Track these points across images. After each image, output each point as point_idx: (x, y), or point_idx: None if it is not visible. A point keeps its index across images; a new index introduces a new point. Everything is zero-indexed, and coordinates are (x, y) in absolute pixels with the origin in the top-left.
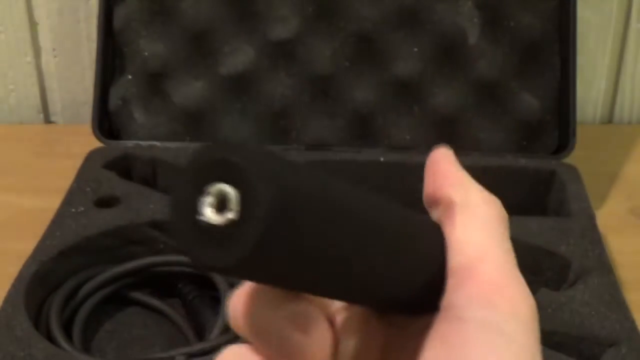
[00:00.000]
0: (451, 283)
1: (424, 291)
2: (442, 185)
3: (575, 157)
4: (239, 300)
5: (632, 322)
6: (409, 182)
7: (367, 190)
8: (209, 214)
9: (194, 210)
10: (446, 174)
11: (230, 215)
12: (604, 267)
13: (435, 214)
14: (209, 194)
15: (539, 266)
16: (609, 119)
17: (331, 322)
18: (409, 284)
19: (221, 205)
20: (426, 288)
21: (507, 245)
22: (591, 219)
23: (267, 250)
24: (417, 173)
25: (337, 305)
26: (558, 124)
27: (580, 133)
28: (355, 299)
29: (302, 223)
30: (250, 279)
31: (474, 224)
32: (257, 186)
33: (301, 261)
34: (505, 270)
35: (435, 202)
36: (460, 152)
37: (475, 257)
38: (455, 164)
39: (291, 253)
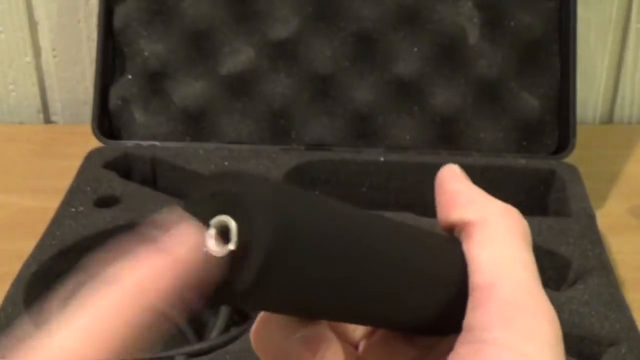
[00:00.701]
0: (471, 303)
1: (444, 312)
2: (454, 209)
3: (575, 157)
4: (257, 324)
5: (632, 322)
6: (409, 182)
7: (375, 214)
8: (212, 246)
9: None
10: (455, 195)
11: (230, 246)
12: (604, 267)
13: (455, 234)
14: (211, 225)
15: (539, 266)
16: (609, 119)
17: (353, 344)
18: (427, 307)
19: (223, 236)
20: (446, 309)
21: (528, 259)
22: (591, 219)
23: (267, 283)
24: (417, 173)
25: (361, 328)
26: (558, 124)
27: (580, 133)
28: (368, 324)
29: (303, 255)
30: (256, 309)
31: (491, 241)
32: (255, 218)
33: (305, 292)
34: (526, 288)
35: (450, 228)
36: (460, 152)
37: (494, 276)
38: (463, 181)
39: (293, 285)
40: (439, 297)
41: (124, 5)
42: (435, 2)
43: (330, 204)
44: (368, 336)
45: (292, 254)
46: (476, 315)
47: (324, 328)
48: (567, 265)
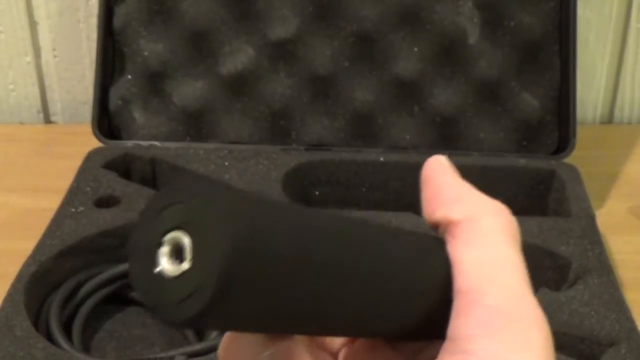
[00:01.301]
0: (455, 310)
1: (428, 319)
2: (438, 206)
3: (575, 157)
4: (224, 342)
5: (632, 322)
6: (409, 182)
7: (350, 218)
8: (165, 264)
9: (153, 261)
10: (439, 190)
11: (185, 265)
12: (604, 267)
13: (440, 233)
14: (164, 243)
15: (539, 266)
16: (609, 119)
17: (333, 353)
18: (407, 315)
19: (177, 254)
20: (430, 315)
21: (517, 260)
22: (591, 219)
23: (224, 305)
24: (417, 173)
25: (340, 338)
26: (558, 124)
27: (580, 133)
28: (345, 336)
29: (264, 272)
30: (215, 329)
31: (476, 241)
32: (211, 231)
33: (268, 311)
34: (514, 293)
35: (435, 226)
36: (460, 152)
37: (479, 280)
38: (449, 174)
39: (254, 304)
40: (421, 305)
41: (124, 5)
42: (435, 2)
43: (295, 212)
44: (348, 344)
45: (251, 272)
46: (460, 323)
47: (294, 343)
48: (567, 265)
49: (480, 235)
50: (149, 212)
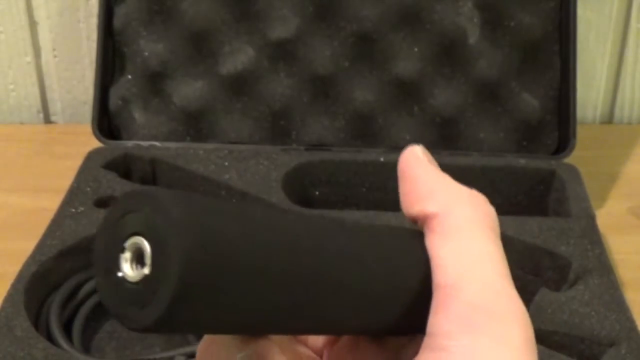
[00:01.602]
0: (435, 304)
1: (406, 314)
2: (415, 201)
3: (575, 157)
4: (202, 344)
5: (632, 322)
6: None
7: (321, 217)
8: (127, 270)
9: (115, 266)
10: (415, 184)
11: (145, 270)
12: (604, 267)
13: (419, 227)
14: (125, 248)
15: (539, 266)
16: (609, 119)
17: (316, 351)
18: (384, 311)
19: (139, 259)
20: (408, 311)
21: (496, 252)
22: (591, 219)
23: (184, 308)
24: None
25: (322, 336)
26: (558, 124)
27: (580, 133)
28: (320, 334)
29: (223, 277)
30: (180, 332)
31: (453, 234)
32: (167, 238)
33: (232, 315)
34: (493, 287)
35: (413, 220)
36: (460, 152)
37: (457, 274)
38: (423, 165)
39: (216, 306)
40: (400, 301)
41: (124, 5)
42: (435, 2)
43: (257, 215)
44: (332, 341)
45: (206, 280)
46: (438, 319)
47: (271, 344)
48: (567, 266)
49: (457, 228)
50: (112, 217)
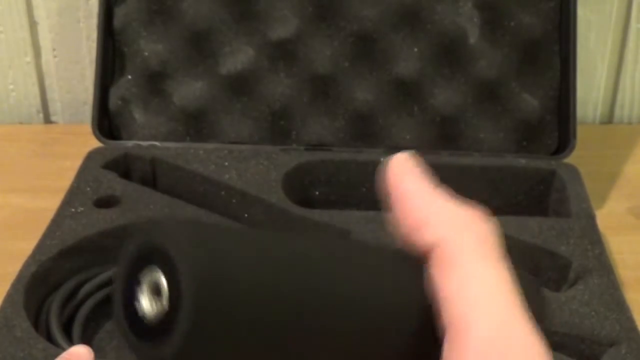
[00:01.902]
0: (448, 340)
1: (410, 352)
2: (410, 230)
3: (575, 157)
4: None
5: (632, 322)
6: None
7: (324, 244)
8: (145, 304)
9: (134, 301)
10: (409, 208)
11: (163, 304)
12: (604, 267)
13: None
14: (143, 282)
15: (539, 266)
16: (609, 119)
17: None
18: (386, 350)
19: (156, 293)
20: (412, 347)
21: (504, 277)
22: (591, 219)
23: (200, 343)
24: None
25: None
26: (558, 124)
27: (580, 133)
28: None
29: (237, 309)
30: None
31: (455, 267)
32: (180, 272)
33: (246, 348)
34: (507, 317)
35: (410, 247)
36: (460, 152)
37: (465, 308)
38: (413, 180)
39: (231, 341)
40: (408, 337)
41: (124, 5)
42: (435, 2)
43: (265, 241)
44: None
45: (225, 309)
46: (453, 354)
47: None
48: (567, 266)
49: (460, 259)
50: (127, 252)
